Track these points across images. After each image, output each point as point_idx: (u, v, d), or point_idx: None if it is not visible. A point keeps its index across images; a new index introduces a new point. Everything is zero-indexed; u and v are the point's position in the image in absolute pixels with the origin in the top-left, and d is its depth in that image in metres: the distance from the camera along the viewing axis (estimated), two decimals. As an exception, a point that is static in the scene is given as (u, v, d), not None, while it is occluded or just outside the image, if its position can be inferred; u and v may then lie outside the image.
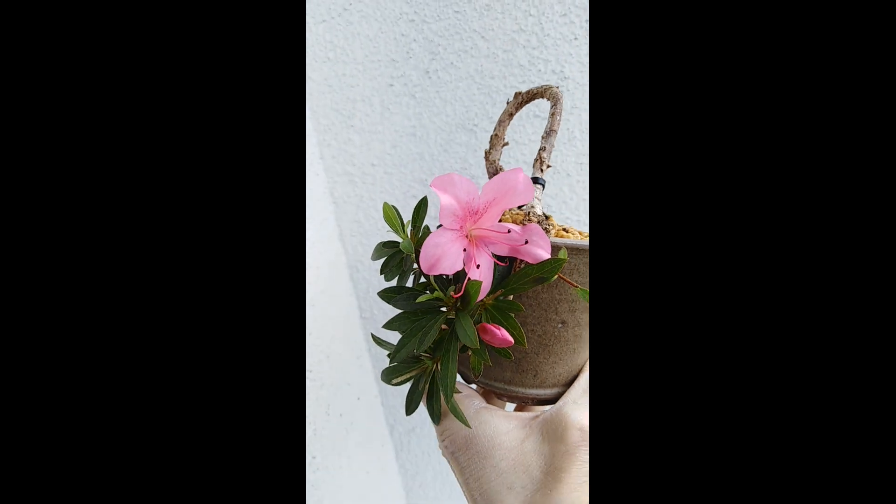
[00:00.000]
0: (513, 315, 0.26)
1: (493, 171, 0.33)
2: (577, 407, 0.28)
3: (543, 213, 0.29)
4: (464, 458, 0.28)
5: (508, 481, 0.27)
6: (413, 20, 0.54)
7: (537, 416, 0.29)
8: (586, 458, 0.26)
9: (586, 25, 0.49)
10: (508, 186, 0.26)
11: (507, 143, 0.34)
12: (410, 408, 0.29)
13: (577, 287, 0.27)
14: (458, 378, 0.31)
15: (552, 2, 0.49)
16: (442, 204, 0.25)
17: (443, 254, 0.25)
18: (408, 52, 0.55)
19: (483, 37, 0.52)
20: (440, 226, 0.26)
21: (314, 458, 0.56)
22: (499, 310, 0.26)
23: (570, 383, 0.30)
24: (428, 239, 0.25)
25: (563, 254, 0.26)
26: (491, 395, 0.33)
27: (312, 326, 0.56)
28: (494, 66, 0.53)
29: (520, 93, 0.33)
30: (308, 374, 0.56)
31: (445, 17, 0.53)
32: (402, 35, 0.54)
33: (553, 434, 0.27)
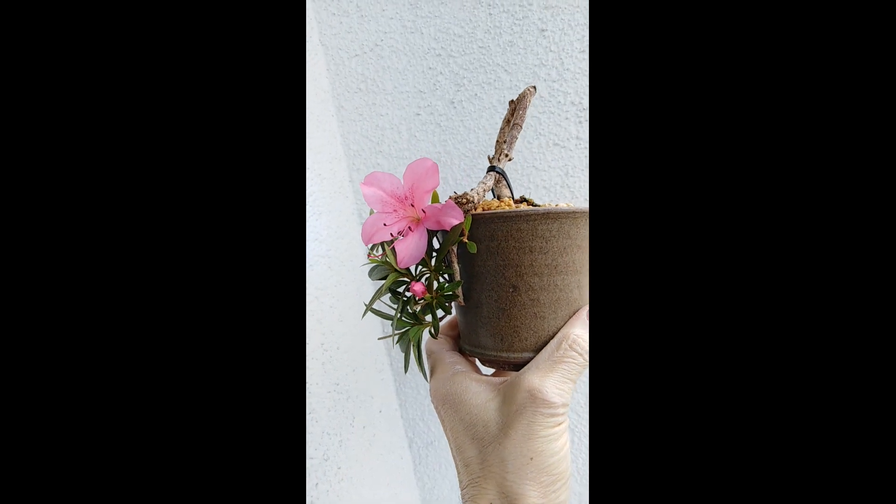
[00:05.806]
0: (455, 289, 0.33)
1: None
2: (531, 372, 0.30)
3: (495, 194, 0.36)
4: (442, 410, 0.33)
5: (472, 432, 0.31)
6: (440, 55, 0.57)
7: (505, 381, 0.32)
8: (532, 417, 0.29)
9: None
10: (419, 173, 0.30)
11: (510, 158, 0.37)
12: (406, 367, 0.34)
13: (467, 241, 0.31)
14: (447, 348, 0.37)
15: (571, 39, 0.52)
16: (364, 194, 0.32)
17: (375, 230, 0.31)
18: (434, 84, 0.59)
19: (506, 70, 0.56)
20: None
21: (339, 468, 0.58)
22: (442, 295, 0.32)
23: (540, 349, 0.32)
24: (366, 220, 0.32)
25: (467, 220, 0.31)
26: (474, 362, 0.37)
27: (341, 341, 0.59)
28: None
29: (513, 100, 0.37)
30: (335, 387, 0.59)
31: (470, 52, 0.56)
32: (430, 68, 0.58)
33: (509, 395, 0.30)
